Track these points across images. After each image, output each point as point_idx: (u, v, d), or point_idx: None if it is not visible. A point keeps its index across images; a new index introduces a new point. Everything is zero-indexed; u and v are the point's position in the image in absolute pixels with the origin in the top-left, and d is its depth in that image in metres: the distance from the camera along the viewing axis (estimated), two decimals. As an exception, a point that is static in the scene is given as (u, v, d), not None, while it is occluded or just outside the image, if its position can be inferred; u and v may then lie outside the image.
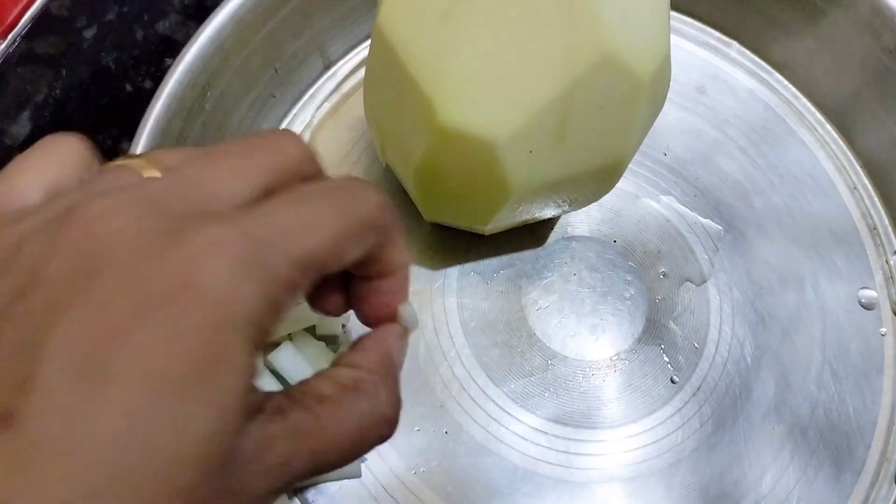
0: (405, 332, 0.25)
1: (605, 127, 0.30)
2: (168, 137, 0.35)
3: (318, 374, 0.22)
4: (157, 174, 0.20)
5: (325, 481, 0.37)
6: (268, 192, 0.20)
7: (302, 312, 0.37)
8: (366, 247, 0.22)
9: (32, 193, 0.20)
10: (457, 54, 0.29)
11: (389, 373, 0.23)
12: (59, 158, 0.21)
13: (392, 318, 0.25)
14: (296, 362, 0.36)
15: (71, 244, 0.17)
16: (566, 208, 0.36)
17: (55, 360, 0.16)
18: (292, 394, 0.21)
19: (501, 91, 0.29)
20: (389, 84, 0.32)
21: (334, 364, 0.23)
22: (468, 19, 0.29)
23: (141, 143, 0.34)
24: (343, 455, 0.21)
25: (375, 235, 0.22)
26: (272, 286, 0.18)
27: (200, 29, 0.36)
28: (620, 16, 0.28)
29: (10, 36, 0.35)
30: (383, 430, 0.22)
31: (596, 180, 0.33)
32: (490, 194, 0.33)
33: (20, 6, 0.34)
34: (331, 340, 0.39)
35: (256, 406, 0.19)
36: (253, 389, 0.18)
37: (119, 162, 0.21)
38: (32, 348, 0.16)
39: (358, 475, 0.37)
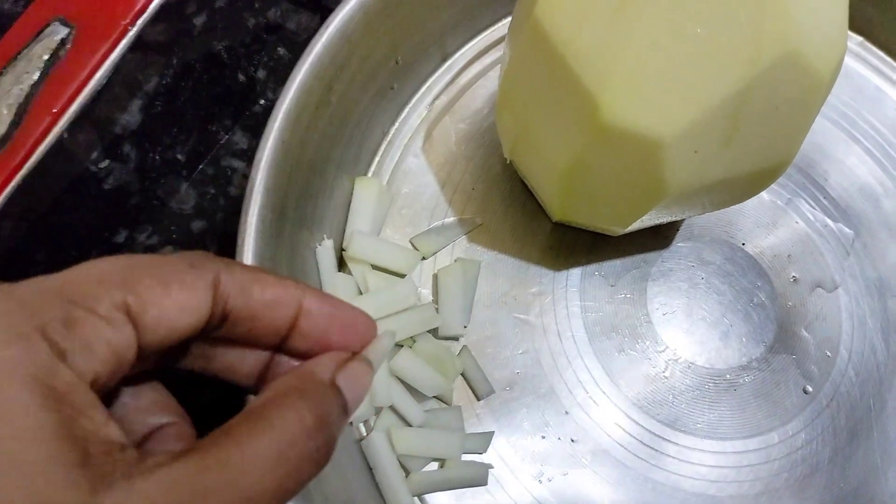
0: (367, 364, 0.23)
1: (776, 128, 0.29)
2: (297, 132, 0.34)
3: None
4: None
5: (451, 488, 0.35)
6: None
7: (424, 313, 0.36)
8: (185, 299, 0.19)
9: None
10: (627, 48, 0.27)
11: (308, 392, 0.20)
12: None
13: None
14: (416, 365, 0.35)
15: None
16: (709, 209, 0.35)
17: None
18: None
19: (672, 87, 0.27)
20: (540, 79, 0.31)
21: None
22: (643, 14, 0.27)
23: (271, 137, 0.33)
24: (265, 492, 0.18)
25: (177, 281, 0.20)
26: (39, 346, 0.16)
27: (329, 20, 0.35)
28: (806, 11, 0.27)
29: (138, 23, 0.33)
30: (304, 455, 0.19)
31: (754, 182, 0.32)
32: (642, 196, 0.31)
33: None
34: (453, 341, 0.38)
35: (107, 464, 0.16)
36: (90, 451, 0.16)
37: None
38: None
39: (484, 483, 0.36)
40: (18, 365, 0.16)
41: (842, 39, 0.29)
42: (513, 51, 0.33)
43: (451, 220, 0.39)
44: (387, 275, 0.37)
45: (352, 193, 0.38)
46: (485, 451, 0.36)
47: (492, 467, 0.36)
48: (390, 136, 0.41)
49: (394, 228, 0.39)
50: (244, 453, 0.18)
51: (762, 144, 0.29)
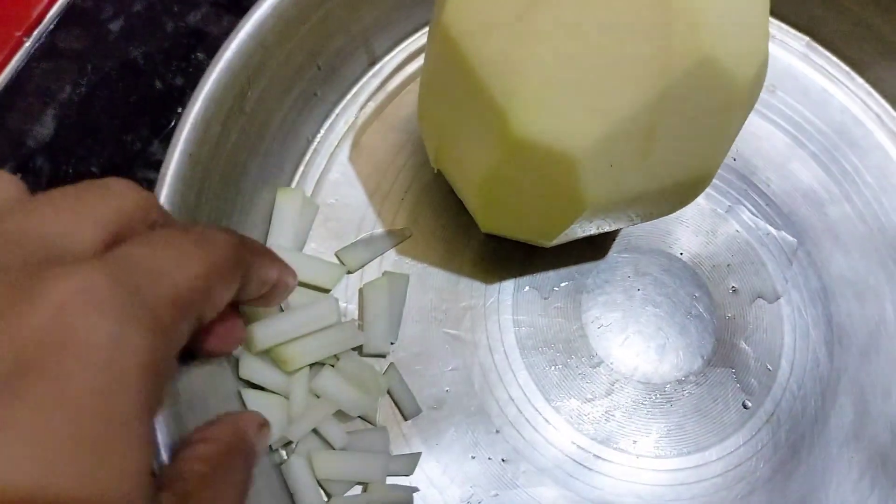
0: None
1: (695, 138, 0.27)
2: (206, 143, 0.32)
3: (180, 454, 0.21)
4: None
5: (376, 513, 0.34)
6: (117, 240, 0.18)
7: (346, 332, 0.34)
8: (235, 287, 0.21)
9: None
10: (533, 58, 0.26)
11: (242, 450, 0.23)
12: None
13: None
14: (338, 385, 0.34)
15: None
16: (637, 221, 0.33)
17: None
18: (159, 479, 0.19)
19: (583, 98, 0.26)
20: (452, 87, 0.29)
21: (185, 444, 0.23)
22: (548, 20, 0.26)
23: (177, 149, 0.31)
24: None
25: (240, 272, 0.21)
26: (158, 333, 0.16)
27: (240, 24, 0.33)
28: (721, 16, 0.25)
29: (34, 33, 0.32)
30: None
31: (678, 195, 0.30)
32: (561, 209, 0.30)
33: (45, 2, 0.32)
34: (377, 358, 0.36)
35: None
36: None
37: None
38: None
39: (409, 507, 0.34)
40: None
41: (762, 44, 0.27)
42: (427, 59, 0.31)
43: (379, 231, 0.38)
44: (310, 290, 0.36)
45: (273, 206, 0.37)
46: (411, 473, 0.35)
47: (417, 490, 0.34)
48: (315, 144, 0.39)
49: (319, 241, 0.38)
50: None
51: (682, 156, 0.28)
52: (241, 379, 0.32)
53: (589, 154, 0.27)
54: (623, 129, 0.26)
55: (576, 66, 0.26)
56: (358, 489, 0.34)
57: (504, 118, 0.27)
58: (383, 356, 0.36)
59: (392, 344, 0.36)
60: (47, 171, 0.38)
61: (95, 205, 0.18)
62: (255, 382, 0.32)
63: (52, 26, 0.32)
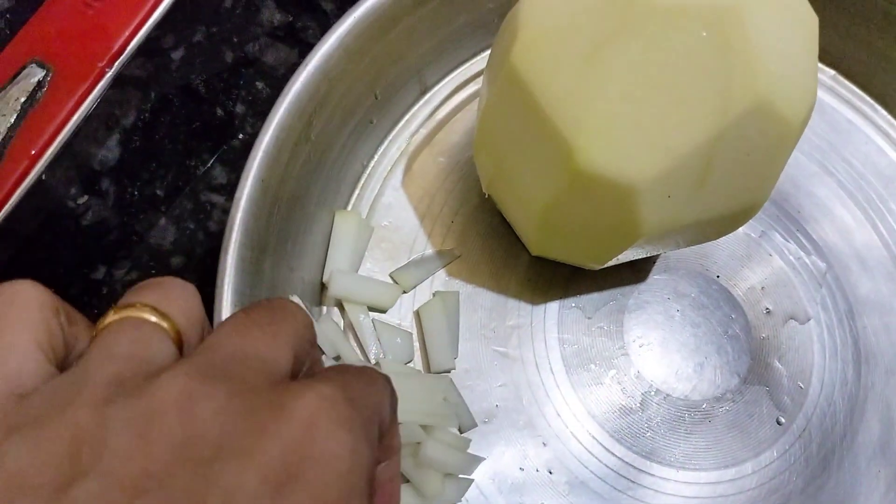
0: None
1: (748, 173, 0.29)
2: (276, 169, 0.34)
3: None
4: (167, 324, 0.19)
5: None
6: (296, 359, 0.20)
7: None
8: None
9: (30, 363, 0.18)
10: (600, 97, 0.28)
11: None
12: (31, 314, 0.18)
13: None
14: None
15: (164, 430, 0.16)
16: (683, 246, 0.35)
17: None
18: None
19: (646, 135, 0.28)
20: (516, 120, 0.31)
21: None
22: (615, 62, 0.28)
23: (251, 174, 0.33)
24: None
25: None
26: (373, 447, 0.18)
27: (308, 57, 0.35)
28: (776, 61, 0.27)
29: (115, 64, 0.33)
30: None
31: (726, 223, 0.32)
32: (617, 236, 0.32)
33: (126, 34, 0.33)
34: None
35: None
36: None
37: (116, 317, 0.19)
38: None
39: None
40: None
41: (812, 87, 0.29)
42: (490, 92, 0.33)
43: (429, 252, 0.40)
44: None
45: (332, 227, 0.39)
46: (470, 474, 0.36)
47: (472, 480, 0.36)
48: (369, 169, 0.41)
49: (373, 262, 0.39)
50: None
51: (734, 189, 0.30)
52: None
53: (649, 186, 0.29)
54: (682, 164, 0.28)
55: (639, 104, 0.28)
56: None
57: (570, 151, 0.29)
58: (448, 371, 0.38)
59: (455, 358, 0.38)
60: (113, 193, 0.40)
61: (286, 328, 0.20)
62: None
63: (130, 57, 0.34)
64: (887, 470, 0.38)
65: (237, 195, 0.33)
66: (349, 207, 0.40)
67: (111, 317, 0.19)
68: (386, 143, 0.41)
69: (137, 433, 0.16)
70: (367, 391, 0.20)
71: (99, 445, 0.15)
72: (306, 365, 0.21)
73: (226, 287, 0.32)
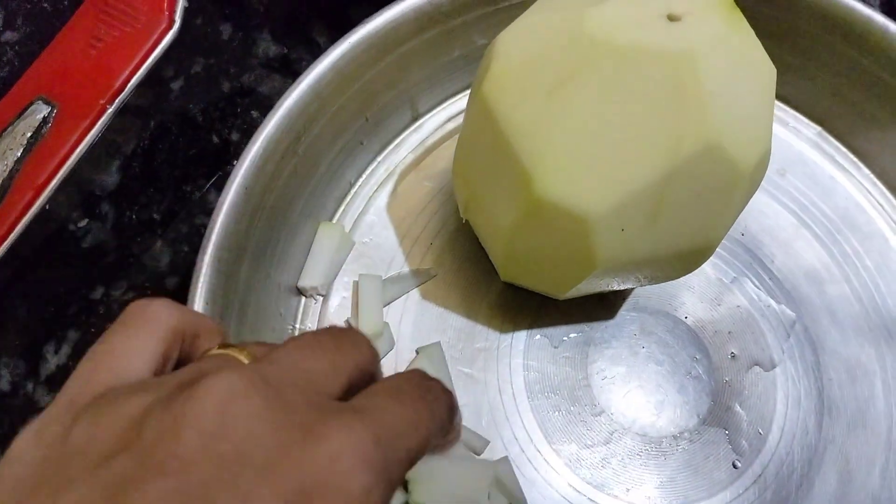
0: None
1: (699, 213, 0.31)
2: (261, 178, 0.36)
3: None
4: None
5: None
6: (350, 387, 0.21)
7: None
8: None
9: (140, 366, 0.21)
10: (559, 130, 0.29)
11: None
12: (155, 330, 0.21)
13: None
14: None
15: (199, 418, 0.17)
16: (645, 283, 0.36)
17: None
18: None
19: (600, 169, 0.29)
20: (485, 149, 0.33)
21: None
22: (575, 98, 0.29)
23: (235, 181, 0.35)
24: None
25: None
26: (390, 489, 0.19)
27: (301, 76, 0.37)
28: (728, 107, 0.29)
29: (116, 101, 0.36)
30: None
31: (682, 262, 0.33)
32: (575, 266, 0.33)
33: (127, 72, 0.36)
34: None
35: None
36: None
37: (217, 351, 0.22)
38: None
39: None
40: None
41: (765, 134, 0.30)
42: (466, 121, 0.35)
43: (406, 270, 0.41)
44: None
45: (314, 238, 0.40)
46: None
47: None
48: (356, 187, 0.43)
49: (350, 275, 0.41)
50: None
51: (687, 227, 0.31)
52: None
53: (602, 218, 0.30)
54: (634, 199, 0.29)
55: (596, 139, 0.29)
56: None
57: (529, 180, 0.30)
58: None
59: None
60: (112, 216, 0.43)
61: (347, 356, 0.21)
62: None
63: (131, 93, 0.36)
64: (842, 524, 0.38)
65: (220, 199, 0.35)
66: (334, 220, 0.42)
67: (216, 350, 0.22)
68: (375, 164, 0.43)
69: (174, 417, 0.17)
70: (407, 431, 0.20)
71: (141, 427, 0.18)
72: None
73: (200, 284, 0.34)
